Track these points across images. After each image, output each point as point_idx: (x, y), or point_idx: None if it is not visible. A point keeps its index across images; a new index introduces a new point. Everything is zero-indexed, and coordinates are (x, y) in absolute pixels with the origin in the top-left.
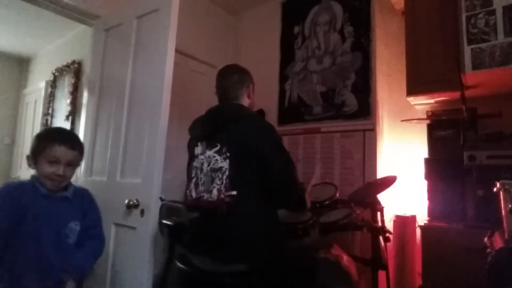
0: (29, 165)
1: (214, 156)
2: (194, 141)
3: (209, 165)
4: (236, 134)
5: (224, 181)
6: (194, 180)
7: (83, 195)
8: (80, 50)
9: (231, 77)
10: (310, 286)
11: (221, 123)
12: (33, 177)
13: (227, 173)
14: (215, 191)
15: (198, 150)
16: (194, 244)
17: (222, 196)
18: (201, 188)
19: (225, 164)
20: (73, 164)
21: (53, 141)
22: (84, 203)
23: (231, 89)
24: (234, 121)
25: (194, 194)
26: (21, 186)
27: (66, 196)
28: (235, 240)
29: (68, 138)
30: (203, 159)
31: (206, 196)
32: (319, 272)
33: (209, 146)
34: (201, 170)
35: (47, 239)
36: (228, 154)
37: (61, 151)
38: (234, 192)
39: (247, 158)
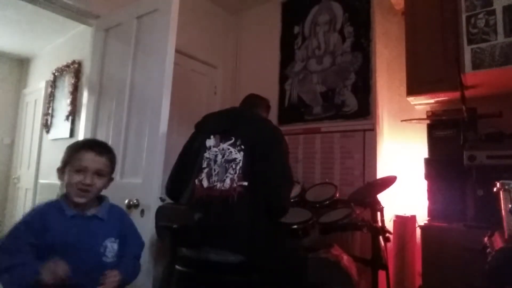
0: (59, 178)
1: (229, 149)
2: (205, 134)
3: (223, 156)
4: (251, 130)
5: (237, 171)
6: (206, 170)
7: (121, 216)
8: (80, 50)
9: (254, 101)
10: (301, 285)
11: (238, 119)
12: (61, 196)
13: (240, 164)
14: (228, 180)
15: (210, 142)
16: (201, 237)
17: (235, 185)
18: (214, 178)
19: (239, 156)
20: (102, 174)
21: (80, 148)
22: (123, 226)
23: (252, 102)
24: (251, 119)
25: (206, 184)
26: (46, 209)
27: (97, 216)
28: (241, 229)
29: (96, 144)
30: (216, 151)
31: (219, 185)
32: (311, 272)
33: (223, 139)
34: (215, 161)
35: (82, 263)
36: (242, 146)
37: (88, 157)
38: (246, 183)
39: (257, 153)
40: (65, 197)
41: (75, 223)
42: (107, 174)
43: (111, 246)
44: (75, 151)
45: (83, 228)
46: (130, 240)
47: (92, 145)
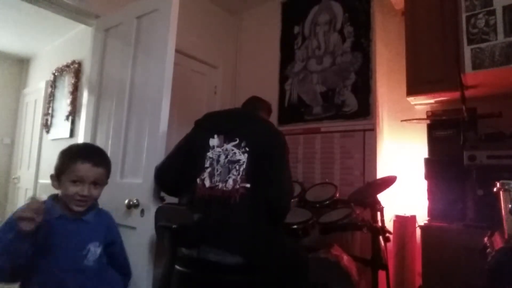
0: (53, 185)
1: (233, 150)
2: (208, 133)
3: (226, 157)
4: (257, 132)
5: (240, 173)
6: (209, 170)
7: (109, 223)
8: (80, 50)
9: (257, 103)
10: (303, 286)
11: (242, 121)
12: (50, 196)
13: (244, 166)
14: (230, 181)
15: (214, 142)
16: (200, 237)
17: (237, 186)
18: (216, 178)
19: (243, 158)
20: (99, 183)
21: (76, 159)
22: (110, 233)
23: (254, 105)
24: (256, 122)
25: (208, 183)
26: None
27: (83, 220)
28: (241, 230)
29: (93, 154)
30: (220, 151)
31: (221, 185)
32: (311, 272)
33: (227, 140)
34: (218, 161)
35: (63, 264)
36: (247, 148)
37: (84, 169)
38: (248, 185)
39: (263, 156)
40: (56, 197)
41: (60, 224)
42: (103, 183)
43: (94, 250)
44: (70, 160)
45: (68, 229)
46: (117, 249)
47: (89, 155)
